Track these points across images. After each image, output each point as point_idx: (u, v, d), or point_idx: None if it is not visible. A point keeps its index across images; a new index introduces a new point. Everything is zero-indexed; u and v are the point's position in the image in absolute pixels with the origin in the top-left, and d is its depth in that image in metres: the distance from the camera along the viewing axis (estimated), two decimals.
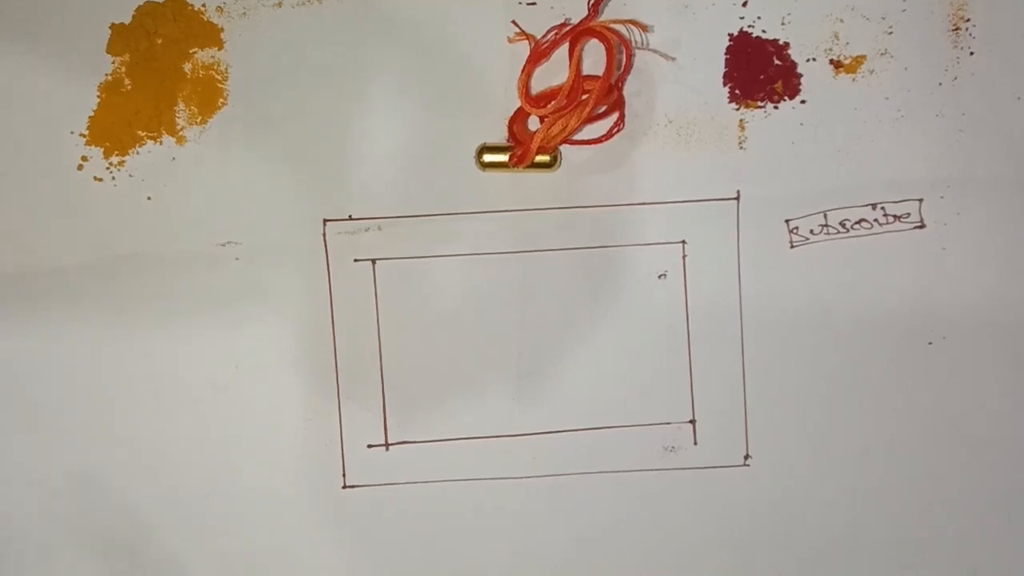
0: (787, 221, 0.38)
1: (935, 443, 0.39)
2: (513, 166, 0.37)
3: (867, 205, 0.38)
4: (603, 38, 0.36)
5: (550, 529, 0.39)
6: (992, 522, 0.39)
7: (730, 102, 0.38)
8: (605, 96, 0.37)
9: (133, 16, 0.37)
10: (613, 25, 0.37)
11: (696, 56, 0.38)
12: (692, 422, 0.39)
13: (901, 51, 0.38)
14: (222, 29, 0.37)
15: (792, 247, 0.39)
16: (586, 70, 0.37)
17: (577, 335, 0.39)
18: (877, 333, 0.39)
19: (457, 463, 0.39)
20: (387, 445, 0.39)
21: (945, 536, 0.39)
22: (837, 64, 0.38)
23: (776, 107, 0.38)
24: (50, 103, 0.37)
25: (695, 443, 0.39)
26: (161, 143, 0.38)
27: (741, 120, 0.38)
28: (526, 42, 0.37)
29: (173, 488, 0.38)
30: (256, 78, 0.38)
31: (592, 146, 0.38)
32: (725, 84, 0.38)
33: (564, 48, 0.37)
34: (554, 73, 0.37)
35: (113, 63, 0.37)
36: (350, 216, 0.38)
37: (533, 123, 0.38)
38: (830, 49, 0.38)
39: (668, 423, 0.39)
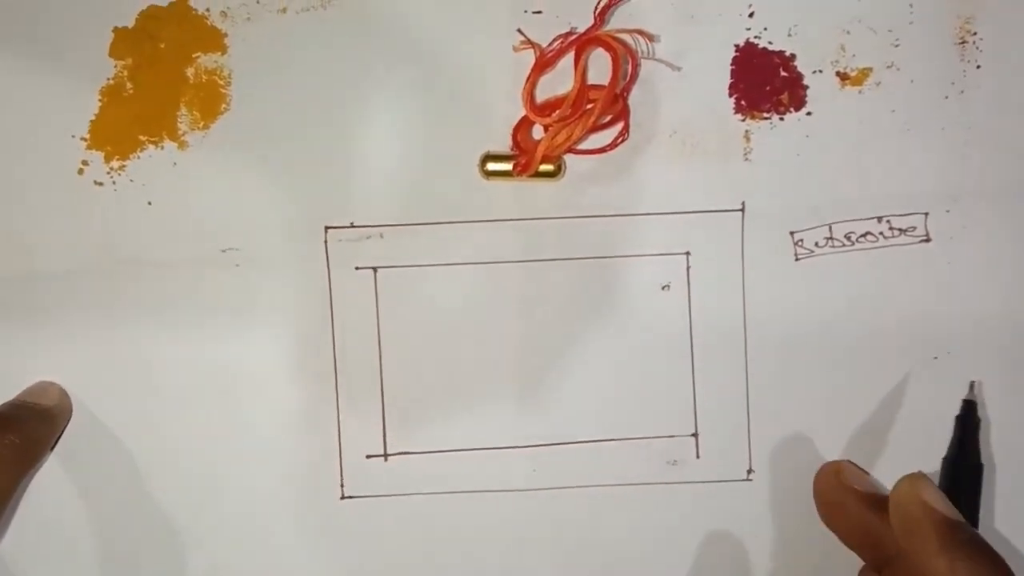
0: (792, 233, 0.38)
1: (940, 457, 0.38)
2: (517, 175, 0.37)
3: (873, 218, 0.38)
4: (609, 47, 0.36)
5: (550, 542, 0.39)
6: (998, 535, 0.39)
7: (736, 113, 0.38)
8: (610, 105, 0.37)
9: (136, 20, 0.37)
10: (619, 34, 0.37)
11: (702, 66, 0.38)
12: (695, 435, 0.39)
13: (908, 64, 0.38)
14: (226, 34, 0.37)
15: (797, 260, 0.38)
16: (591, 79, 0.37)
17: (579, 346, 0.38)
18: (882, 347, 0.38)
19: (457, 474, 0.38)
20: (386, 455, 0.38)
21: None
22: (843, 76, 0.38)
23: (782, 118, 0.38)
24: (51, 106, 0.37)
25: (698, 457, 0.39)
26: (163, 148, 0.37)
27: (747, 131, 0.38)
28: (531, 50, 0.37)
29: (170, 496, 0.38)
30: (259, 84, 0.37)
31: (596, 156, 0.38)
32: (731, 95, 0.38)
33: (570, 57, 0.37)
34: (559, 82, 0.37)
35: (115, 67, 0.37)
36: (352, 223, 0.38)
37: (538, 132, 0.38)
38: (836, 61, 0.38)
39: (671, 436, 0.39)
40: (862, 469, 0.38)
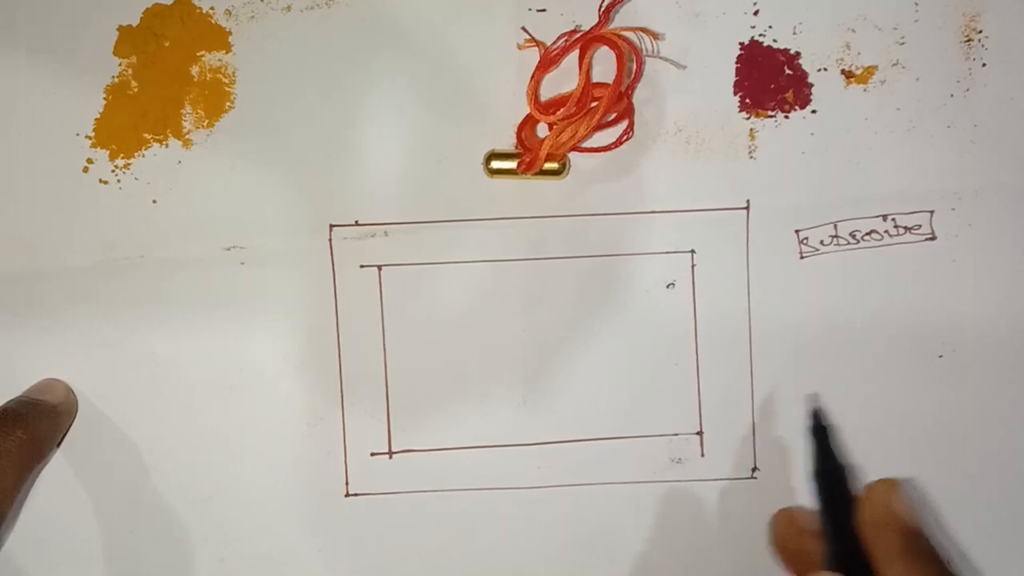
0: (797, 231, 0.38)
1: (944, 456, 0.38)
2: (521, 173, 0.37)
3: (877, 216, 0.38)
4: (613, 45, 0.36)
5: (555, 540, 0.39)
6: (1001, 535, 0.39)
7: (740, 111, 0.38)
8: (615, 104, 0.37)
9: (141, 18, 0.37)
10: (624, 32, 0.37)
11: (707, 65, 0.38)
12: (699, 434, 0.39)
13: (913, 62, 0.38)
14: (230, 32, 0.37)
15: (802, 257, 0.38)
16: (596, 77, 0.37)
17: (584, 344, 0.38)
18: (887, 345, 0.38)
19: (461, 472, 0.39)
20: (390, 453, 0.39)
21: (953, 548, 0.39)
22: (848, 74, 0.38)
23: (787, 117, 0.38)
24: (56, 105, 0.37)
25: (702, 455, 0.39)
26: (167, 146, 0.37)
27: (751, 129, 0.38)
28: (536, 49, 0.37)
29: (175, 494, 0.38)
30: (263, 82, 0.37)
31: (601, 154, 0.38)
32: (735, 93, 0.38)
33: (574, 55, 0.37)
34: (564, 80, 0.37)
35: (120, 65, 0.37)
36: (356, 222, 0.38)
37: (542, 130, 0.38)
38: (841, 59, 0.38)
39: (675, 434, 0.39)
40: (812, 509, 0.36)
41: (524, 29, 0.37)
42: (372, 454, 0.38)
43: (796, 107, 0.38)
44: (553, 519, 0.39)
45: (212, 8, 0.37)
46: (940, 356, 0.38)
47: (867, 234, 0.38)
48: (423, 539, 0.39)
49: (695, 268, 0.38)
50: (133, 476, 0.38)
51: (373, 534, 0.38)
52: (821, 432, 0.36)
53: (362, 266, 0.38)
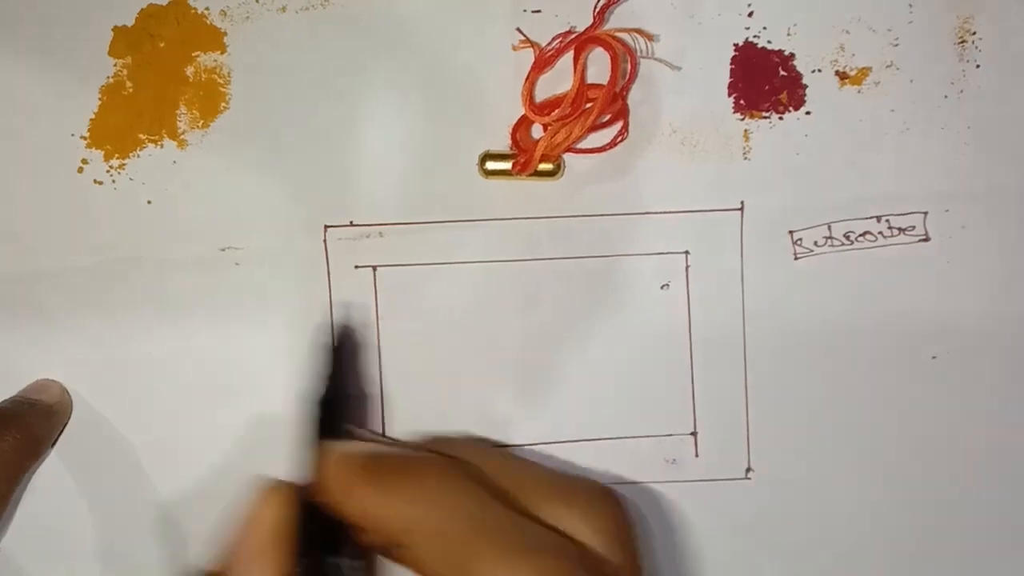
0: (791, 232, 0.38)
1: (939, 457, 0.39)
2: (516, 174, 0.37)
3: (872, 217, 0.38)
4: (608, 46, 0.36)
5: None
6: (996, 537, 0.39)
7: (735, 112, 0.38)
8: (609, 105, 0.37)
9: (136, 18, 0.37)
10: (618, 34, 0.37)
11: (701, 66, 0.38)
12: (694, 434, 0.39)
13: (907, 63, 0.38)
14: (225, 33, 0.37)
15: (796, 259, 0.38)
16: (591, 78, 0.37)
17: (579, 345, 0.38)
18: (881, 346, 0.38)
19: None
20: None
21: (948, 550, 0.39)
22: (843, 75, 0.38)
23: (781, 118, 0.38)
24: (51, 105, 0.37)
25: (696, 456, 0.39)
26: (162, 146, 0.37)
27: (746, 130, 0.38)
28: (530, 49, 0.37)
29: (170, 494, 0.38)
30: (259, 82, 0.37)
31: (596, 155, 0.38)
32: (730, 94, 0.38)
33: (569, 56, 0.37)
34: (558, 81, 0.37)
35: (115, 65, 0.37)
36: (351, 222, 0.38)
37: (537, 131, 0.38)
38: (836, 60, 0.38)
39: (669, 435, 0.39)
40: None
41: (519, 30, 0.37)
42: None
43: (790, 108, 0.38)
44: None
45: (207, 9, 0.37)
46: (934, 357, 0.38)
47: (861, 235, 0.38)
48: None
49: (689, 269, 0.38)
50: (127, 476, 0.38)
51: None
52: (337, 352, 0.32)
53: (357, 267, 0.38)
